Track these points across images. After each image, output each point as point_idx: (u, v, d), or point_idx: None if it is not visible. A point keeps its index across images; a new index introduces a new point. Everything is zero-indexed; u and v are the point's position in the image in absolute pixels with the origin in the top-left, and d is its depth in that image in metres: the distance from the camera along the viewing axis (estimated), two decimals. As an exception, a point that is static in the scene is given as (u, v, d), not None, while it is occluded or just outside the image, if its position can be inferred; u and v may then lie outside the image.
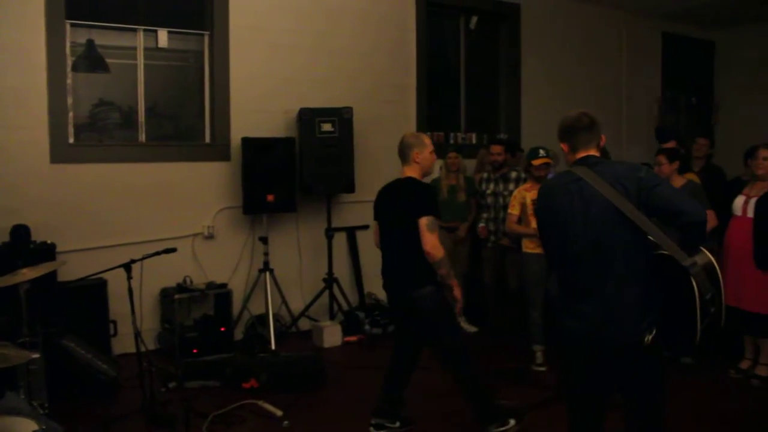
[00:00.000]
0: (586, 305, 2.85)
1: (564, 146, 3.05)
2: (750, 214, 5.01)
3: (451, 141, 7.71)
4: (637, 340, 2.76)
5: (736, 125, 9.65)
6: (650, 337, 2.76)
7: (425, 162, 3.96)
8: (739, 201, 5.13)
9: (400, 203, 3.90)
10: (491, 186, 6.23)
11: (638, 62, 9.26)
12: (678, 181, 5.14)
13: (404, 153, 3.99)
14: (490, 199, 6.20)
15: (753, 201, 5.03)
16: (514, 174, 6.26)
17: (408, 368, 4.20)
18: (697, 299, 2.65)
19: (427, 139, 4.02)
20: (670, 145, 6.00)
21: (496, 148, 6.33)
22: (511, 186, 6.11)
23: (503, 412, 4.07)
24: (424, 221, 3.74)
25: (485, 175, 6.40)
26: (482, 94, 8.20)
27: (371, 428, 4.16)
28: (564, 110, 8.53)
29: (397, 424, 4.17)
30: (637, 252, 2.78)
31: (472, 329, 6.46)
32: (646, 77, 9.41)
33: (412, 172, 3.96)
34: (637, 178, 2.78)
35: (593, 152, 2.97)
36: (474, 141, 7.86)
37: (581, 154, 2.97)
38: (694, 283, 2.64)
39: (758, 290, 4.91)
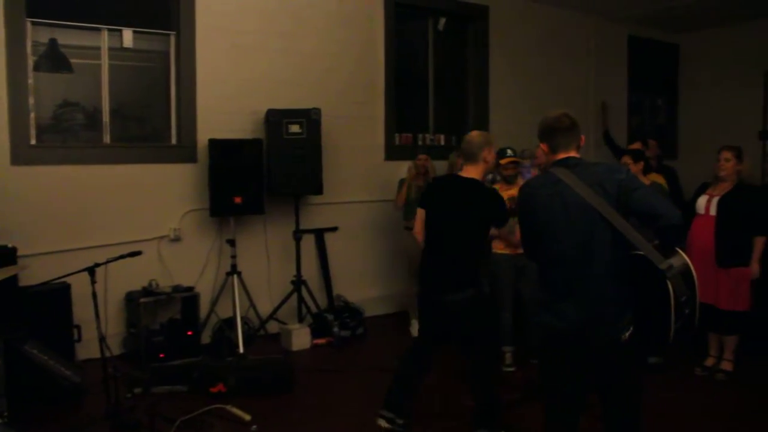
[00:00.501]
0: (568, 304, 2.90)
1: (544, 146, 3.08)
2: (713, 212, 5.13)
3: (420, 143, 7.72)
4: (617, 338, 2.83)
5: (700, 126, 9.82)
6: (627, 335, 2.82)
7: (491, 161, 3.94)
8: (702, 200, 5.25)
9: (469, 206, 3.81)
10: None
11: (605, 64, 9.37)
12: (644, 180, 5.21)
13: (472, 151, 3.89)
14: None
15: (715, 200, 5.15)
16: (489, 176, 6.28)
17: (429, 368, 4.18)
18: (672, 301, 2.69)
19: (493, 138, 3.99)
20: (636, 145, 6.07)
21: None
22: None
23: (500, 422, 4.08)
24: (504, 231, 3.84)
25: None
26: (450, 96, 8.23)
27: (382, 420, 4.08)
28: (532, 112, 8.65)
29: (402, 422, 4.13)
30: (616, 253, 2.84)
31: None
32: (612, 79, 9.52)
33: (475, 172, 3.90)
34: (616, 180, 2.83)
35: (573, 153, 3.00)
36: (442, 143, 7.88)
37: (561, 155, 3.01)
38: (669, 286, 2.68)
39: (721, 287, 5.01)
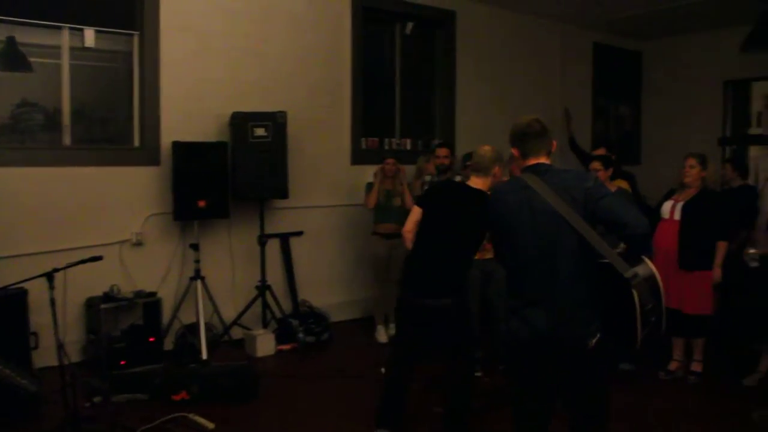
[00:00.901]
0: (535, 310, 2.91)
1: (515, 151, 3.09)
2: (677, 217, 5.21)
3: (386, 147, 7.69)
4: (584, 344, 2.84)
5: (663, 133, 9.97)
6: (594, 341, 2.82)
7: (499, 176, 3.97)
8: (667, 205, 5.34)
9: (471, 214, 3.79)
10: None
11: (571, 70, 9.46)
12: (611, 188, 5.25)
13: (485, 165, 3.95)
14: None
15: (680, 205, 5.23)
16: (459, 178, 6.29)
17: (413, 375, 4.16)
18: (638, 310, 2.71)
19: (503, 155, 4.04)
20: (601, 151, 6.12)
21: (443, 151, 6.37)
22: None
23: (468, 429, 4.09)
24: None
25: (427, 178, 6.38)
26: (417, 100, 8.22)
27: None
28: (499, 117, 8.76)
29: None
30: (583, 260, 2.86)
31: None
32: (578, 85, 9.62)
33: (483, 184, 3.93)
34: (584, 188, 2.85)
35: (543, 159, 3.02)
36: (409, 147, 7.86)
37: (531, 161, 3.02)
38: (635, 294, 2.70)
39: (685, 291, 5.08)
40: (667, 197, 5.48)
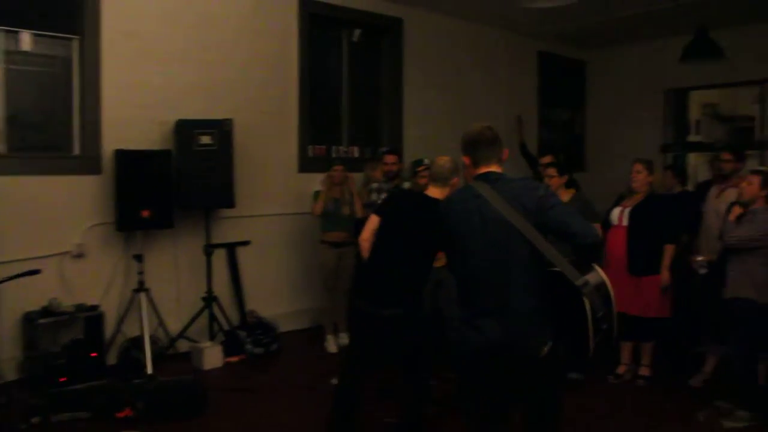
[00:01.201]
0: (487, 320, 2.90)
1: (466, 159, 3.08)
2: (625, 222, 5.30)
3: (334, 154, 7.64)
4: (536, 354, 2.85)
5: (607, 140, 10.18)
6: (546, 350, 2.83)
7: (456, 186, 3.94)
8: (616, 211, 5.43)
9: (429, 224, 3.67)
10: (384, 197, 6.17)
11: (517, 78, 9.56)
12: (566, 195, 5.31)
13: (444, 176, 3.92)
14: None
15: (627, 211, 5.32)
16: (407, 184, 6.29)
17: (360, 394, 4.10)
18: (589, 318, 2.72)
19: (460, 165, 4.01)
20: (548, 159, 6.18)
21: (391, 158, 6.35)
22: None
23: None
24: None
25: (375, 185, 6.34)
26: (365, 108, 8.19)
27: None
28: (446, 124, 8.80)
29: None
30: (534, 269, 2.86)
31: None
32: (524, 93, 9.73)
33: (441, 194, 3.87)
34: (536, 197, 2.86)
35: (495, 167, 3.01)
36: (356, 155, 7.83)
37: (483, 169, 3.01)
38: (586, 302, 2.71)
39: (633, 294, 5.16)
40: (616, 203, 5.56)
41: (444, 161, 3.96)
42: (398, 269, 3.84)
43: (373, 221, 4.10)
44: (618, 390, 5.33)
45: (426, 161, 5.44)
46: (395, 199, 4.25)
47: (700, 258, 4.99)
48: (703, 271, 4.91)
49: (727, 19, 8.20)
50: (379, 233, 4.02)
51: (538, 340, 2.84)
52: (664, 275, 5.24)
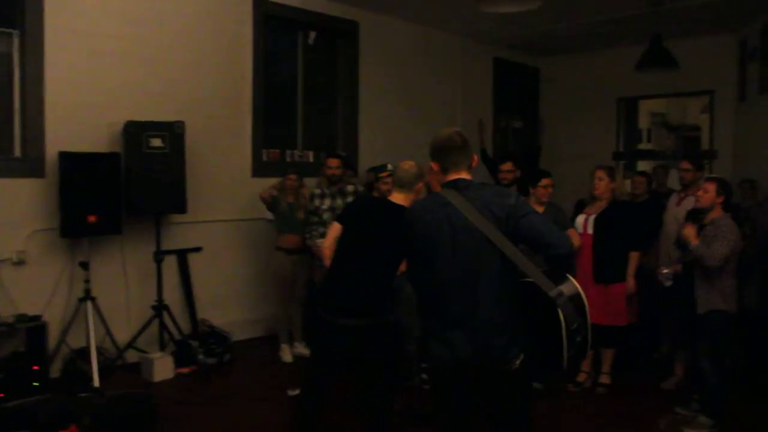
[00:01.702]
0: (456, 332, 2.79)
1: (434, 165, 2.97)
2: (590, 231, 5.27)
3: (288, 159, 7.48)
4: (508, 366, 2.76)
5: (560, 147, 10.24)
6: (518, 362, 2.75)
7: (420, 192, 3.81)
8: (580, 219, 5.40)
9: (392, 231, 3.47)
10: (327, 201, 6.05)
11: (472, 84, 9.57)
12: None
13: (409, 181, 3.76)
14: (327, 215, 6.00)
15: (592, 218, 5.29)
16: (351, 188, 6.17)
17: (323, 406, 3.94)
18: (564, 329, 2.63)
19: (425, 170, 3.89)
20: (508, 165, 6.12)
21: (333, 161, 6.20)
22: (349, 200, 6.09)
23: None
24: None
25: (317, 191, 6.16)
26: (320, 112, 8.06)
27: None
28: (401, 128, 8.71)
29: None
30: (505, 279, 2.77)
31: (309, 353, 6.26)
32: (479, 99, 9.75)
33: (405, 200, 3.73)
34: (507, 206, 2.76)
35: (464, 174, 2.91)
36: (311, 159, 7.68)
37: (452, 176, 2.91)
38: (560, 314, 2.62)
39: (599, 302, 5.13)
40: (577, 209, 5.55)
41: (409, 166, 3.84)
42: (362, 278, 3.70)
43: (335, 229, 3.96)
44: (579, 398, 5.29)
45: (389, 167, 5.30)
46: (358, 206, 4.10)
47: (665, 270, 4.96)
48: (668, 283, 4.89)
49: (677, 30, 8.34)
50: (342, 241, 3.87)
51: (508, 355, 2.75)
52: (630, 283, 5.24)
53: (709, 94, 9.47)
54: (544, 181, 5.36)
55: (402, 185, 3.78)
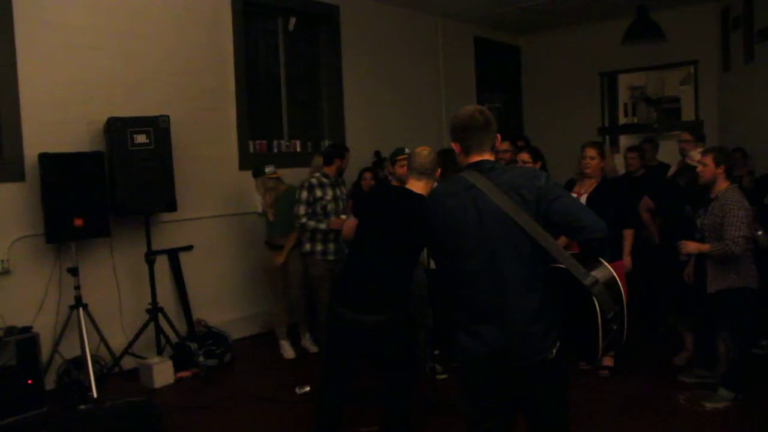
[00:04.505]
0: (488, 326, 2.61)
1: (456, 146, 2.78)
2: None
3: (275, 150, 7.26)
4: (542, 358, 2.59)
5: (544, 124, 10.17)
6: (555, 352, 2.60)
7: (437, 178, 3.67)
8: None
9: (412, 222, 3.26)
10: (329, 191, 5.83)
11: (454, 64, 9.45)
12: None
13: (427, 168, 3.61)
14: (330, 206, 5.80)
15: (584, 198, 5.16)
16: (315, 177, 5.99)
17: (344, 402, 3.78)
18: (599, 318, 2.48)
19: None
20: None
21: (348, 154, 6.09)
22: (344, 189, 6.04)
23: None
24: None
25: (314, 180, 5.89)
26: (304, 99, 7.85)
27: None
28: (387, 113, 8.53)
29: None
30: (535, 266, 2.59)
31: (314, 349, 6.10)
32: (461, 79, 9.63)
33: (424, 188, 3.56)
34: (536, 187, 2.58)
35: (488, 155, 2.72)
36: (298, 149, 7.47)
37: (474, 158, 2.72)
38: (595, 303, 2.47)
39: None
40: (567, 188, 5.41)
41: (426, 152, 3.66)
42: (382, 272, 3.53)
43: (354, 221, 3.79)
44: (595, 381, 5.16)
45: (407, 150, 5.12)
46: (373, 198, 3.91)
47: (760, 233, 4.82)
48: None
49: (659, 1, 8.26)
50: (357, 234, 3.69)
51: (544, 345, 2.59)
52: (626, 260, 5.13)
53: (693, 65, 9.43)
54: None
55: (422, 172, 3.60)
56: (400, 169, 5.07)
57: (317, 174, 5.90)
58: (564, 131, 9.25)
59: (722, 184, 4.50)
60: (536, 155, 5.26)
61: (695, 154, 5.00)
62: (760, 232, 4.95)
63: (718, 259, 4.44)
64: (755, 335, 5.08)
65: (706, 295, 4.59)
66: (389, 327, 3.53)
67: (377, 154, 7.55)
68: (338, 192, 5.89)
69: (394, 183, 5.29)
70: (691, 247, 4.54)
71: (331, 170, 5.90)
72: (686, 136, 5.61)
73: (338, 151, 6.02)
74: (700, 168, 4.58)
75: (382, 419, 3.81)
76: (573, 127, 9.40)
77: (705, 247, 4.47)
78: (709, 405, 4.53)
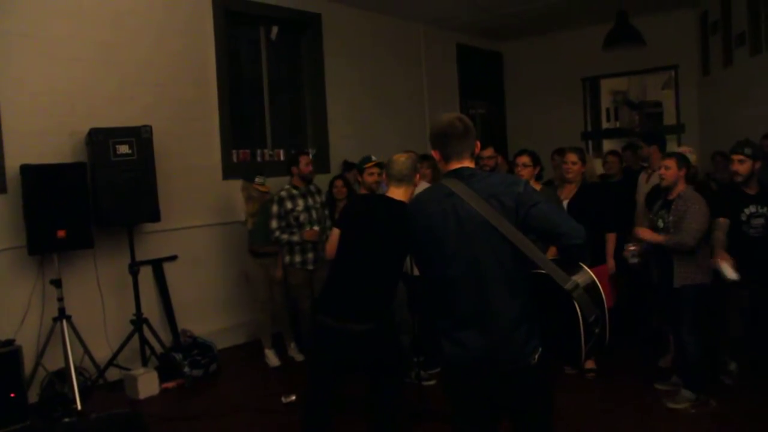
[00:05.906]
0: (470, 332, 2.63)
1: (435, 154, 2.79)
2: None
3: (259, 159, 7.26)
4: (524, 364, 2.60)
5: (527, 130, 10.22)
6: (537, 357, 2.62)
7: (417, 184, 3.64)
8: None
9: (396, 230, 3.27)
10: (300, 202, 5.84)
11: (436, 71, 9.48)
12: (536, 186, 5.14)
13: (407, 174, 3.58)
14: (303, 216, 5.81)
15: (565, 203, 5.19)
16: (313, 187, 6.01)
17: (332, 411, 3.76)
18: (581, 323, 2.50)
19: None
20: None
21: (305, 159, 6.00)
22: (318, 198, 5.99)
23: None
24: None
25: (284, 192, 5.89)
26: (288, 108, 7.85)
27: None
28: (372, 121, 8.53)
29: None
30: (516, 272, 2.61)
31: (299, 358, 6.10)
32: (444, 85, 9.67)
33: (404, 195, 3.55)
34: (515, 194, 2.60)
35: (467, 162, 2.74)
36: (282, 158, 7.46)
37: (454, 165, 2.74)
38: (577, 307, 2.49)
39: None
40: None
41: (403, 158, 3.65)
42: (368, 281, 3.52)
43: (335, 234, 3.77)
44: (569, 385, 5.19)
45: (373, 157, 5.13)
46: (356, 208, 3.90)
47: (632, 247, 4.89)
48: (634, 260, 4.82)
49: (639, 7, 8.33)
50: (341, 244, 3.68)
51: (526, 351, 2.61)
52: (610, 263, 5.16)
53: (673, 69, 9.52)
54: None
55: (400, 179, 3.60)
56: (369, 177, 5.09)
57: (287, 186, 5.93)
58: (547, 136, 9.28)
59: (682, 185, 4.64)
60: (536, 159, 5.28)
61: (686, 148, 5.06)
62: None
63: (672, 250, 4.55)
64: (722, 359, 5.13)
65: (670, 292, 4.66)
66: (377, 335, 3.53)
67: (345, 162, 7.51)
68: (311, 201, 5.89)
69: (362, 191, 5.32)
70: (646, 233, 4.63)
71: (295, 180, 5.92)
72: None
73: (292, 159, 6.03)
74: (662, 171, 4.69)
75: (370, 426, 3.80)
76: (556, 132, 9.45)
77: (660, 238, 4.56)
78: (671, 405, 4.62)
